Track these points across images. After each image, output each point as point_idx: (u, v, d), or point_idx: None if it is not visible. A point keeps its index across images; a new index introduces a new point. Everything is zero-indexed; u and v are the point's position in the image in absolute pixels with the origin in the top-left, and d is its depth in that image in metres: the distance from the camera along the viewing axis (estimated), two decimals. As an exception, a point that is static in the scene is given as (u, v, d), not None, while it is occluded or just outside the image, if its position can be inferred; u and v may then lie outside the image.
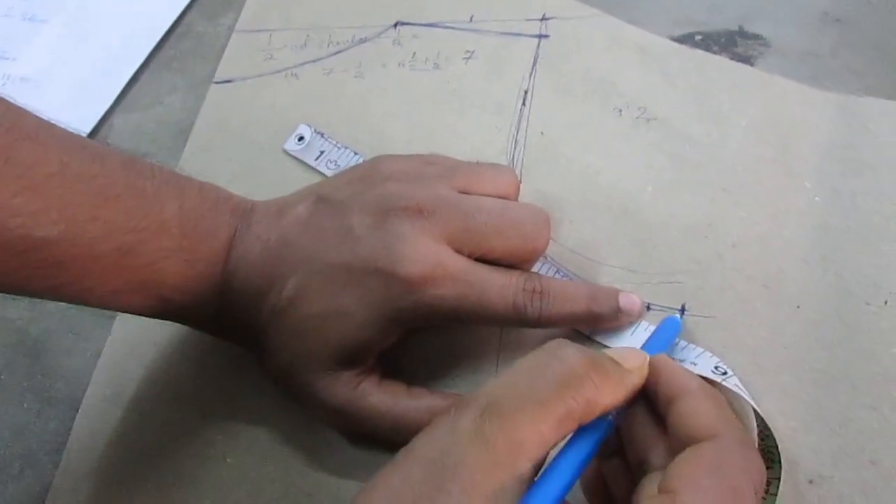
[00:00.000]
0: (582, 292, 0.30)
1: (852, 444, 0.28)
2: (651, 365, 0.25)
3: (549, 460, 0.22)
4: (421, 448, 0.21)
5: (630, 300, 0.31)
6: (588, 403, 0.22)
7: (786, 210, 0.33)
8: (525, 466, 0.21)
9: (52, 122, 0.27)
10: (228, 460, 0.32)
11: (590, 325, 0.31)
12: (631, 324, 0.31)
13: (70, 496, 0.32)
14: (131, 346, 0.34)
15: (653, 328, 0.31)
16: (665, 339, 0.29)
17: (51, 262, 0.25)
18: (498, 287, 0.29)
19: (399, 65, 0.40)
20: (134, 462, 0.32)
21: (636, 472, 0.25)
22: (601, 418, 0.23)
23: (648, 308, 0.32)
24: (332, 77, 0.41)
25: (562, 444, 0.23)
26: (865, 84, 0.35)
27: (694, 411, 0.23)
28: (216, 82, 0.41)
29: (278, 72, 0.41)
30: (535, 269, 0.32)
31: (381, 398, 0.29)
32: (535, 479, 0.21)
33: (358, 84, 0.40)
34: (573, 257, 0.33)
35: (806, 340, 0.30)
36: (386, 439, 0.30)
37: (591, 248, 0.34)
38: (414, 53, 0.40)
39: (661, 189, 0.34)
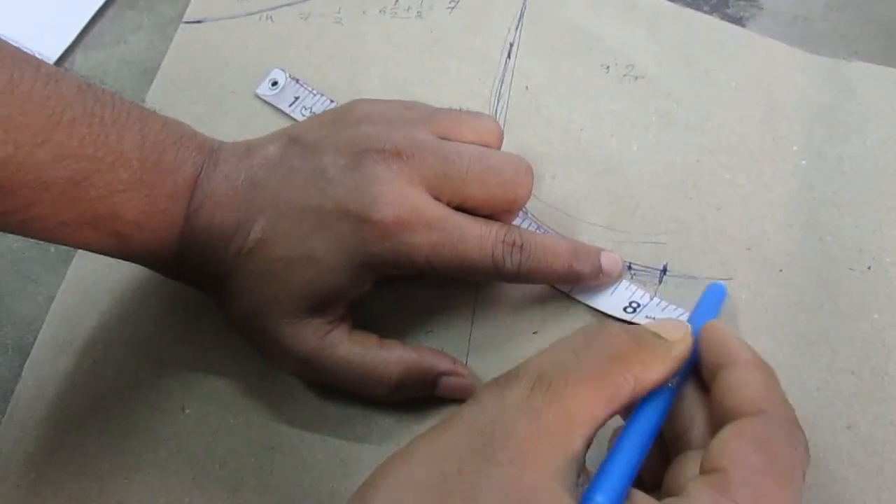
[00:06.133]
0: (563, 248, 0.29)
1: (829, 408, 0.28)
2: (700, 332, 0.24)
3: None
4: (467, 417, 0.20)
5: (611, 259, 0.30)
6: (637, 381, 0.21)
7: (771, 173, 0.32)
8: (576, 442, 0.20)
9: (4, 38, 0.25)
10: (186, 411, 0.30)
11: (569, 283, 0.30)
12: (611, 283, 0.30)
13: (16, 445, 0.30)
14: (86, 290, 0.33)
15: (633, 287, 0.30)
16: (711, 305, 0.28)
17: (-4, 186, 0.23)
18: (476, 237, 0.27)
19: (380, 12, 0.39)
20: (85, 411, 0.30)
21: (672, 447, 0.23)
22: (661, 389, 0.22)
23: (629, 267, 0.31)
24: (309, 22, 0.39)
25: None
26: (855, 49, 0.35)
27: (741, 382, 0.22)
28: (186, 22, 0.39)
29: (252, 14, 0.39)
30: (514, 223, 0.31)
31: (351, 348, 0.28)
32: (588, 454, 0.20)
33: (337, 30, 0.38)
34: (554, 213, 0.32)
35: (787, 304, 0.30)
36: (354, 391, 0.28)
37: (573, 204, 0.33)
38: (396, 1, 0.39)
39: (645, 148, 0.33)
